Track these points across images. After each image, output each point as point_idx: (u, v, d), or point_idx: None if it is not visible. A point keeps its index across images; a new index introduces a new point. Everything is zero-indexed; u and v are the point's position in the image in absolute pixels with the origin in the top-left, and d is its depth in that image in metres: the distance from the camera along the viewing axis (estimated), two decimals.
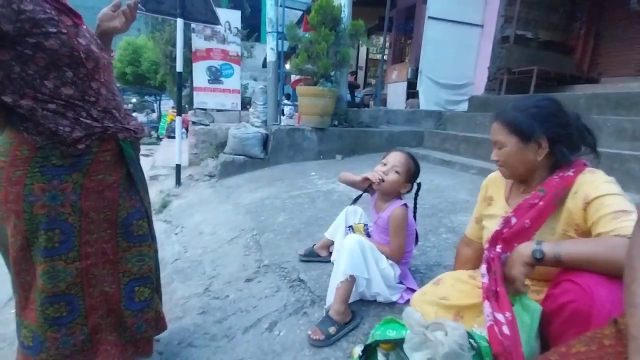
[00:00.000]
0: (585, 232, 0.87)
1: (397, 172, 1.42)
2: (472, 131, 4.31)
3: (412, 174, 1.46)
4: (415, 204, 1.56)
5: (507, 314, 0.79)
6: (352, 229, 1.58)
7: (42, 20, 0.86)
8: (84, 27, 1.02)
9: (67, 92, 0.93)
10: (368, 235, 1.54)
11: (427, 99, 5.49)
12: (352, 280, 1.32)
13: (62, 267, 0.99)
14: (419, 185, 1.52)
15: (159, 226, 2.98)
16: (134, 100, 15.21)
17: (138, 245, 1.14)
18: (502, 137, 0.99)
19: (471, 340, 0.71)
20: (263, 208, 2.75)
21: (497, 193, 1.15)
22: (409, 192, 1.51)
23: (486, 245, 0.94)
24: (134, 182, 1.13)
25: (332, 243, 1.77)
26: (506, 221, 0.94)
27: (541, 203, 0.90)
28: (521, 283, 0.83)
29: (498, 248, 0.91)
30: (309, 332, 1.32)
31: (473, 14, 5.45)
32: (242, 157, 4.03)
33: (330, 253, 1.79)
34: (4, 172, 0.92)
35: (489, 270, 0.89)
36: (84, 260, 1.03)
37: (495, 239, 0.93)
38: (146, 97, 15.14)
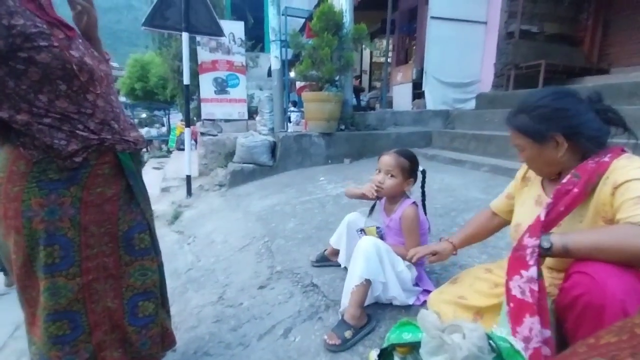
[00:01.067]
0: (612, 220, 0.82)
1: (392, 175, 1.42)
2: (481, 129, 4.25)
3: (408, 170, 1.43)
4: (423, 192, 1.54)
5: (547, 332, 0.75)
6: (364, 232, 1.55)
7: (33, 34, 0.85)
8: (79, 39, 1.01)
9: (61, 105, 0.92)
10: (381, 238, 1.51)
11: (434, 99, 5.46)
12: (367, 284, 1.29)
13: (63, 283, 0.97)
14: (423, 173, 1.50)
15: (171, 237, 3.01)
16: (143, 115, 15.55)
17: (140, 259, 1.11)
18: (518, 141, 0.98)
19: (491, 342, 0.68)
20: (273, 215, 2.75)
21: (535, 175, 1.09)
22: (414, 184, 1.48)
23: (526, 235, 0.84)
24: (134, 194, 1.10)
25: (336, 250, 1.75)
26: (550, 208, 0.86)
27: (575, 190, 0.84)
28: None
29: (535, 240, 0.81)
30: (325, 337, 1.30)
31: (476, 11, 5.42)
32: (250, 165, 4.06)
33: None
34: (2, 189, 0.91)
35: (538, 267, 0.78)
36: (85, 276, 1.01)
37: (537, 227, 0.83)
38: (155, 112, 15.46)
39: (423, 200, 1.54)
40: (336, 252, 1.79)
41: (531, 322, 0.75)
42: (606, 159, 0.85)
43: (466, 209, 2.31)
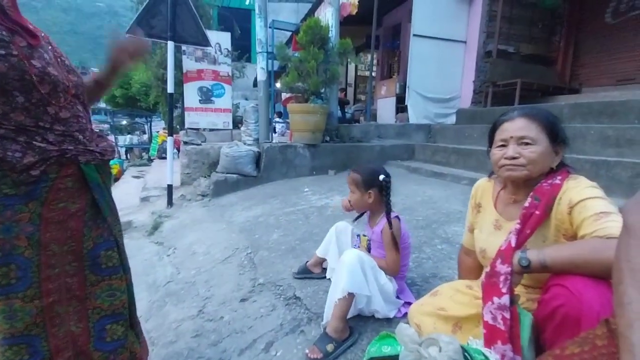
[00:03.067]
0: (573, 236, 0.89)
1: (351, 191, 1.51)
2: (461, 143, 4.38)
3: (362, 183, 1.46)
4: (387, 200, 1.46)
5: (518, 358, 0.80)
6: (360, 239, 1.58)
7: None
8: (48, 47, 0.94)
9: (17, 119, 0.86)
10: (369, 249, 1.53)
11: (417, 113, 5.60)
12: (350, 297, 1.30)
13: (20, 305, 0.90)
14: (385, 181, 1.45)
15: (150, 248, 2.93)
16: (124, 122, 15.20)
17: (108, 278, 1.04)
18: (533, 134, 0.94)
19: (466, 355, 0.70)
20: (257, 226, 2.73)
21: (487, 200, 1.16)
22: (380, 196, 1.46)
23: (498, 262, 0.87)
24: (101, 209, 1.03)
25: (324, 260, 1.76)
26: (518, 232, 0.91)
27: (537, 212, 0.91)
28: (512, 292, 0.84)
29: (507, 267, 0.84)
30: (307, 352, 1.28)
31: (456, 31, 5.65)
32: (235, 175, 4.02)
33: (324, 269, 1.78)
34: None
35: (510, 294, 0.82)
36: (45, 298, 0.93)
37: (508, 254, 0.87)
38: (137, 119, 15.15)
39: (388, 208, 1.45)
40: (319, 263, 1.79)
41: (503, 349, 0.79)
42: (557, 181, 0.93)
43: (447, 221, 2.37)
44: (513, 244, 0.88)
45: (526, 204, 0.94)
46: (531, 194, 0.95)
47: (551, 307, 0.78)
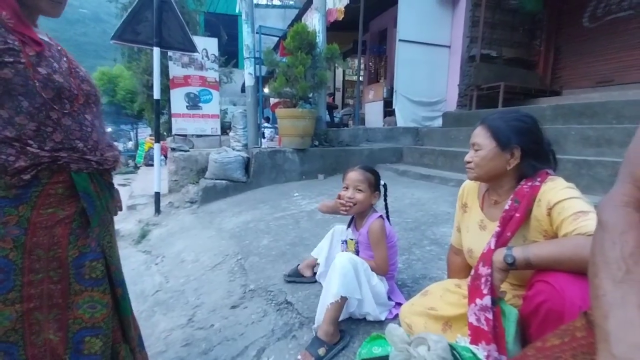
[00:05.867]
0: (553, 236, 0.92)
1: (360, 190, 1.47)
2: (448, 145, 4.45)
3: (373, 183, 1.49)
4: (386, 204, 1.60)
5: (503, 358, 0.82)
6: (347, 244, 1.57)
7: (1, 50, 0.83)
8: (63, 58, 0.98)
9: (21, 122, 0.89)
10: (357, 253, 1.53)
11: (404, 117, 5.67)
12: (343, 301, 1.30)
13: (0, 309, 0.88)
14: (385, 187, 1.56)
15: (137, 257, 2.87)
16: (109, 129, 14.99)
17: (90, 289, 1.01)
18: (481, 140, 1.04)
19: (454, 352, 0.71)
20: (247, 232, 2.71)
21: (472, 201, 1.18)
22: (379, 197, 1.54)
23: (480, 264, 0.91)
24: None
25: (317, 262, 1.76)
26: (498, 235, 0.95)
27: (517, 214, 0.94)
28: (498, 289, 0.86)
29: (488, 269, 0.88)
30: (299, 357, 1.28)
31: (440, 36, 5.76)
32: (223, 181, 3.99)
33: (315, 273, 1.78)
34: None
35: (493, 295, 0.85)
36: (26, 303, 0.91)
37: (489, 257, 0.91)
38: (122, 126, 14.94)
39: (387, 212, 1.59)
40: (311, 266, 1.79)
41: (487, 349, 0.82)
42: (537, 183, 0.96)
43: (435, 222, 2.39)
44: (492, 247, 0.92)
45: (506, 207, 0.97)
46: (512, 196, 0.98)
47: (535, 303, 0.80)
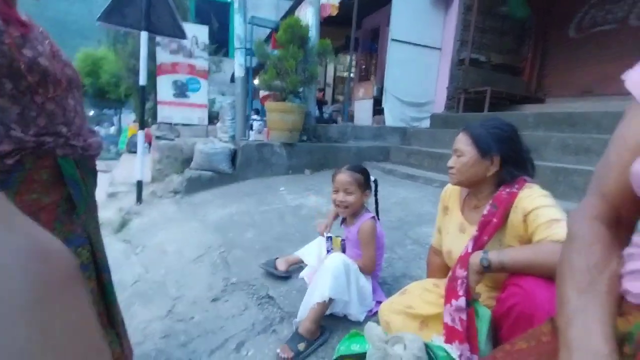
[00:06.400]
0: (528, 241, 0.96)
1: (350, 192, 1.47)
2: (434, 146, 4.52)
3: (362, 183, 1.49)
4: (376, 200, 1.61)
5: (475, 357, 0.85)
6: (332, 241, 1.58)
7: None
8: (45, 41, 0.95)
9: (4, 105, 0.86)
10: (343, 250, 1.55)
11: (393, 116, 5.72)
12: (330, 302, 1.32)
13: None
14: (375, 183, 1.57)
15: (117, 246, 2.81)
16: (91, 112, 14.50)
17: None
18: (463, 146, 1.08)
19: (429, 351, 0.73)
20: (231, 224, 2.69)
21: (453, 204, 1.22)
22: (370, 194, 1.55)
23: (457, 267, 0.95)
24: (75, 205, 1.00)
25: (298, 261, 1.77)
26: (476, 239, 0.98)
27: (495, 220, 0.98)
28: (473, 291, 0.89)
29: (464, 272, 0.92)
30: (278, 351, 1.29)
31: (432, 38, 5.82)
32: (209, 172, 3.94)
33: (288, 270, 1.78)
34: None
35: (467, 296, 0.89)
36: None
37: (466, 259, 0.94)
38: (105, 110, 14.48)
39: (376, 208, 1.61)
40: (288, 262, 1.79)
41: (461, 349, 0.85)
42: (515, 190, 1.00)
43: (418, 222, 2.44)
44: (470, 251, 0.95)
45: (485, 212, 1.01)
46: (490, 201, 1.02)
47: (507, 305, 0.84)
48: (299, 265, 1.80)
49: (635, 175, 0.42)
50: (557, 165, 2.86)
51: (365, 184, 1.50)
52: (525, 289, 0.81)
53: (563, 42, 5.72)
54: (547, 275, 0.80)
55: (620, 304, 0.44)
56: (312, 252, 1.72)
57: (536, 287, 0.79)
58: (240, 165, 4.02)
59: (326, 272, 1.32)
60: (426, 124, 5.75)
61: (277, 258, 1.84)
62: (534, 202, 0.94)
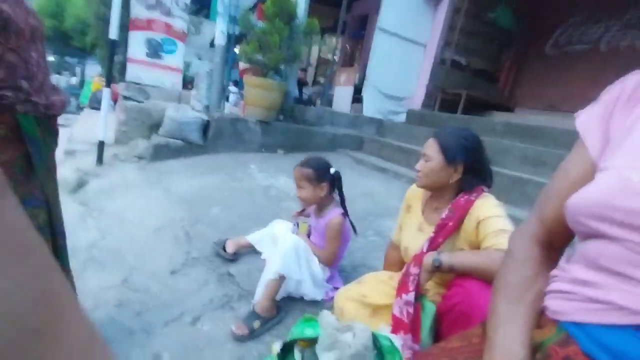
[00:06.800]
0: (478, 247, 1.04)
1: (300, 187, 1.50)
2: (407, 142, 4.64)
3: (314, 177, 1.48)
4: (340, 193, 1.59)
5: (416, 346, 0.94)
6: (299, 226, 1.61)
7: None
8: None
9: None
10: (308, 235, 1.58)
11: (371, 106, 5.76)
12: (281, 279, 1.36)
13: None
14: (336, 175, 1.54)
15: (72, 208, 2.68)
16: (51, 58, 13.28)
17: None
18: (431, 152, 1.14)
19: (376, 340, 0.79)
20: (197, 198, 2.64)
21: (416, 204, 1.28)
22: (330, 189, 1.54)
23: (411, 264, 1.02)
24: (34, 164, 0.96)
25: (248, 245, 1.78)
26: (431, 240, 1.06)
27: (451, 223, 1.06)
28: (423, 288, 0.97)
29: (417, 269, 0.99)
30: (233, 327, 1.32)
31: (419, 33, 5.85)
32: (178, 141, 3.80)
33: (235, 253, 1.79)
34: None
35: (417, 292, 0.97)
36: None
37: (420, 258, 1.02)
38: (67, 58, 13.31)
39: (342, 201, 1.60)
40: (237, 245, 1.79)
41: (404, 339, 0.93)
42: (472, 198, 1.08)
43: (383, 214, 2.53)
44: (425, 250, 1.03)
45: (443, 215, 1.08)
46: (449, 206, 1.09)
47: (450, 303, 0.92)
48: (249, 250, 1.81)
49: (569, 209, 0.48)
50: (515, 174, 3.05)
51: (317, 178, 1.48)
52: (468, 290, 0.89)
53: (539, 56, 5.99)
54: (489, 279, 0.88)
55: (540, 317, 0.50)
56: (265, 238, 1.73)
57: (477, 290, 0.87)
58: (212, 137, 3.91)
59: (277, 252, 1.36)
60: (402, 118, 5.86)
61: (227, 239, 1.84)
62: (488, 211, 1.03)
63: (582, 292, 0.44)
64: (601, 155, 0.49)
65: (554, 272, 0.51)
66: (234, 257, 1.78)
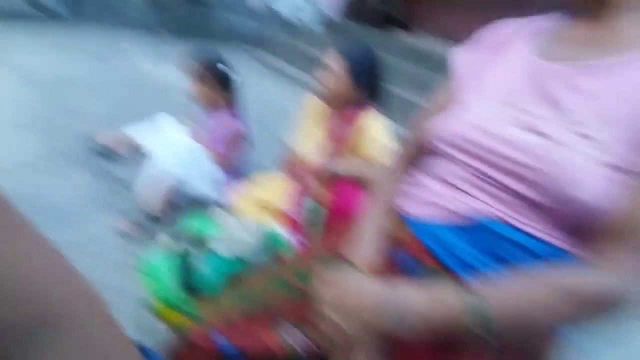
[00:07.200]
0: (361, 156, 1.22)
1: (193, 82, 1.44)
2: (315, 48, 4.47)
3: (206, 73, 1.41)
4: (234, 93, 1.54)
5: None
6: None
7: None
8: None
9: None
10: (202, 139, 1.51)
11: (285, 3, 5.16)
12: (172, 178, 1.33)
13: None
14: (223, 71, 1.46)
15: None
16: None
17: None
18: (336, 68, 1.18)
19: (269, 236, 0.91)
20: (63, 83, 2.19)
21: (315, 114, 1.33)
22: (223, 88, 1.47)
23: (311, 173, 1.16)
24: None
25: (125, 141, 1.57)
26: (329, 151, 1.20)
27: (344, 134, 1.19)
28: (318, 194, 1.12)
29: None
30: (119, 225, 1.31)
31: None
32: (30, 8, 2.88)
33: (110, 149, 1.56)
34: None
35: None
36: None
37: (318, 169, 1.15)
38: None
39: (235, 101, 1.53)
40: (123, 142, 1.56)
41: (294, 235, 1.10)
42: (365, 111, 1.21)
43: (278, 119, 2.52)
44: (324, 162, 1.16)
45: (337, 127, 1.21)
46: (344, 118, 1.21)
47: (335, 203, 1.08)
48: (128, 147, 1.60)
49: (430, 131, 0.57)
50: (402, 95, 3.35)
51: (209, 74, 1.41)
52: (348, 192, 1.06)
53: None
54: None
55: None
56: (152, 135, 1.54)
57: (355, 192, 1.04)
58: (77, 4, 3.07)
59: (165, 150, 1.32)
60: (316, 22, 5.48)
61: (99, 132, 1.59)
62: (377, 129, 1.17)
63: (423, 195, 0.56)
64: (464, 90, 0.58)
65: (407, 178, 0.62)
66: (109, 153, 1.55)
